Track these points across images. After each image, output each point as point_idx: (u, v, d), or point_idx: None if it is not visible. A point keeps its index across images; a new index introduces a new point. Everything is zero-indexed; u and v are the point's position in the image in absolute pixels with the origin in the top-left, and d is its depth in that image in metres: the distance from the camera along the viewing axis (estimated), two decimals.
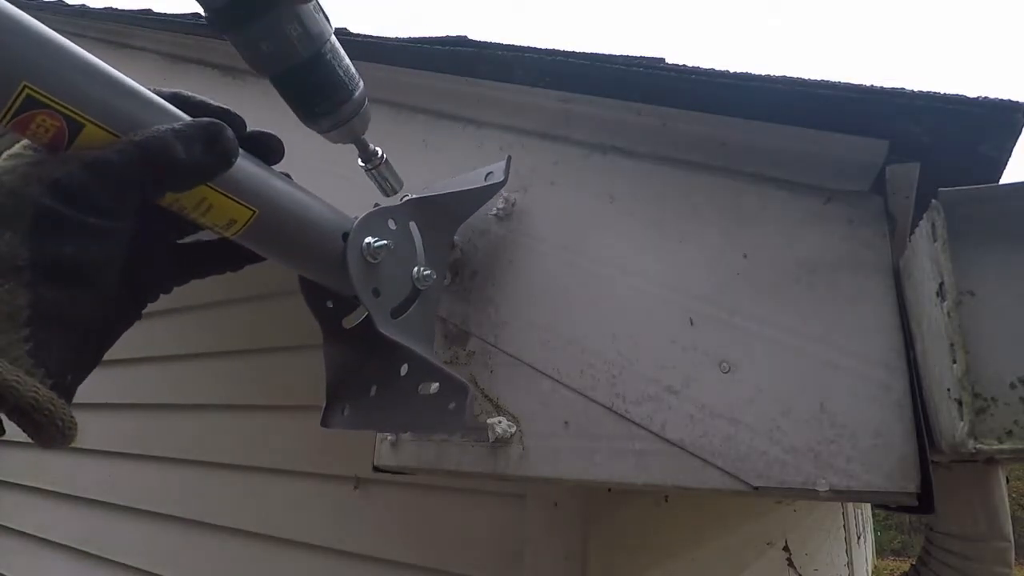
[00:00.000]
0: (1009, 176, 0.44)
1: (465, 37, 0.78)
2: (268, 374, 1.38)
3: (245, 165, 0.40)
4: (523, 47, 0.69)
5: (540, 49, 0.66)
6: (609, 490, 0.88)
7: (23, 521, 1.93)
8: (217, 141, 0.36)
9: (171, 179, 0.35)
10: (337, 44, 0.46)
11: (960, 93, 0.43)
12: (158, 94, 0.38)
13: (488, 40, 0.77)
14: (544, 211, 0.61)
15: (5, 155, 0.33)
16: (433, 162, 0.72)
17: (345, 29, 0.89)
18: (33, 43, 0.31)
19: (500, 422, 0.55)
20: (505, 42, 0.76)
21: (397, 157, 0.76)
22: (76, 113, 0.32)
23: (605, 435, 0.51)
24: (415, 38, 0.81)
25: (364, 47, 0.80)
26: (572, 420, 0.53)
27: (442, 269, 0.55)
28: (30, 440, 0.30)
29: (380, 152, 0.55)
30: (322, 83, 0.45)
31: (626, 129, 0.59)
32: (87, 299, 0.32)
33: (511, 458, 0.55)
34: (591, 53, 0.66)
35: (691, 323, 0.50)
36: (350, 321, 0.56)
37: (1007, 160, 0.44)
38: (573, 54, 0.64)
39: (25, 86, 0.30)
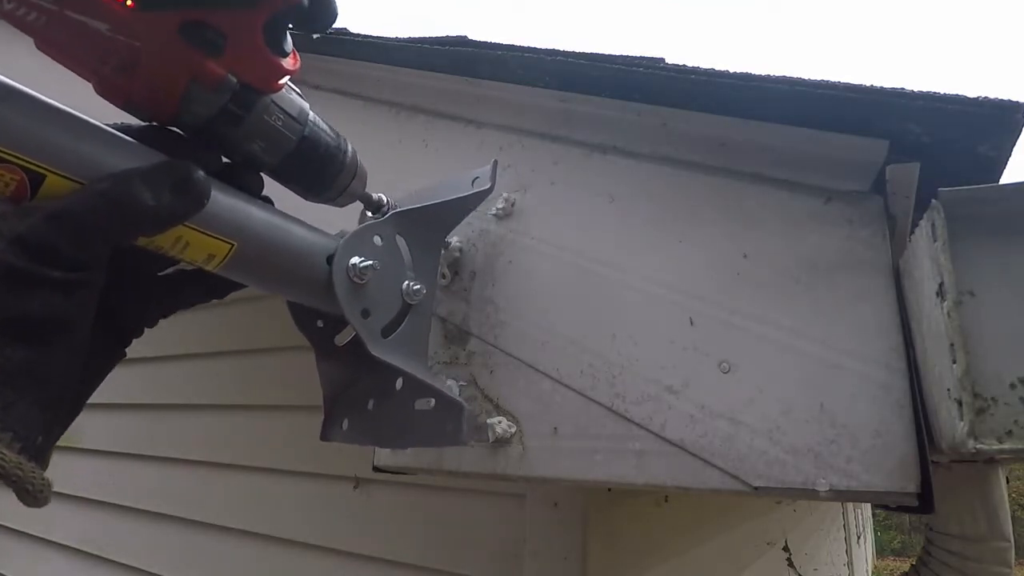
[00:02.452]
0: (1009, 176, 0.44)
1: (465, 37, 0.78)
2: (268, 374, 1.38)
3: (221, 198, 0.38)
4: (523, 47, 0.70)
5: (540, 49, 0.67)
6: (609, 490, 0.88)
7: (23, 521, 1.93)
8: (188, 183, 0.34)
9: (139, 227, 0.34)
10: (315, 115, 0.45)
11: (960, 93, 0.43)
12: (129, 130, 0.36)
13: (488, 40, 0.77)
14: (544, 211, 0.61)
15: None
16: (433, 162, 0.72)
17: (345, 29, 0.89)
18: None
19: (500, 422, 0.55)
20: (505, 42, 0.76)
21: (396, 158, 0.75)
22: (35, 165, 0.30)
23: (605, 435, 0.51)
24: (415, 38, 0.81)
25: (364, 47, 0.80)
26: (572, 420, 0.53)
27: (432, 281, 0.54)
28: None
29: (384, 198, 0.54)
30: (319, 157, 0.45)
31: (626, 129, 0.59)
32: (57, 355, 0.31)
33: (511, 458, 0.55)
34: (591, 53, 0.66)
35: (691, 323, 0.50)
36: (342, 338, 0.55)
37: (1007, 160, 0.44)
38: (573, 54, 0.64)
39: None
